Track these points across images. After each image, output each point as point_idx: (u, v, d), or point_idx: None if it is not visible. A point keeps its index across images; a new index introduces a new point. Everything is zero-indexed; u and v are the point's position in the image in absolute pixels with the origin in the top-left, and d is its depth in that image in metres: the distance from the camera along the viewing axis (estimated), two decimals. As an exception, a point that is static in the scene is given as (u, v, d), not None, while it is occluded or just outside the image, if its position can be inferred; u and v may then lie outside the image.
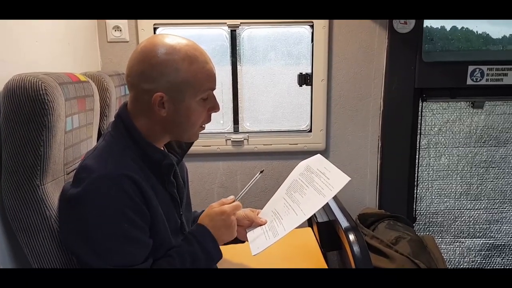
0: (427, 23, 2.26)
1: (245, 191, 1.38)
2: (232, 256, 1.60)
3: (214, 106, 1.18)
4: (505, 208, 2.48)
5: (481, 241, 2.52)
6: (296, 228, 1.25)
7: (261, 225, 1.35)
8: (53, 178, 1.14)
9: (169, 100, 1.09)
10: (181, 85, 1.09)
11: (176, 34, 1.14)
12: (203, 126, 1.20)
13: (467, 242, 2.53)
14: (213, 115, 1.21)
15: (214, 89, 1.17)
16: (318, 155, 1.45)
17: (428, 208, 2.47)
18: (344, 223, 1.49)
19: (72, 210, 1.06)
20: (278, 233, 1.26)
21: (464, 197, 2.47)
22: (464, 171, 2.44)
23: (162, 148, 1.21)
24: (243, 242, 1.39)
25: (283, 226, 1.27)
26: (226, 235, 1.24)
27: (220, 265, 1.50)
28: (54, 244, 1.11)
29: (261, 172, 1.41)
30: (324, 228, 1.65)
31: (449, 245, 2.53)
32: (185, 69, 1.08)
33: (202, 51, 1.14)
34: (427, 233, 2.49)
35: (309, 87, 2.29)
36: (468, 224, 2.50)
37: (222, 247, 1.24)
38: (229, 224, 1.24)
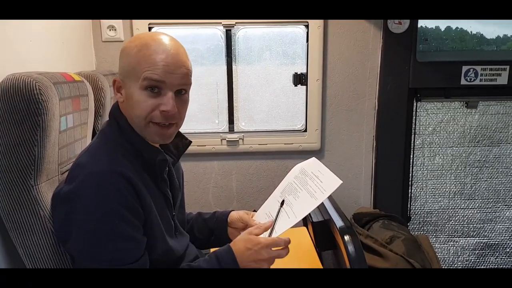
0: (422, 23, 2.27)
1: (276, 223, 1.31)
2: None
3: (165, 104, 1.08)
4: (498, 208, 2.49)
5: (475, 240, 2.54)
6: (291, 227, 1.25)
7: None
8: (47, 178, 1.14)
9: (124, 86, 1.12)
10: (127, 70, 1.10)
11: (166, 33, 1.15)
12: (158, 122, 1.11)
13: (461, 241, 2.54)
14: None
15: (162, 81, 1.07)
16: (313, 158, 1.45)
17: (422, 208, 2.48)
18: (338, 222, 1.49)
19: (65, 206, 1.06)
20: (271, 236, 1.26)
21: (458, 196, 2.48)
22: (458, 171, 2.45)
23: (156, 146, 1.21)
24: None
25: (275, 229, 1.28)
26: (251, 266, 1.15)
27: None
28: (48, 244, 1.11)
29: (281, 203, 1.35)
30: (319, 228, 1.65)
31: (443, 244, 2.54)
32: (133, 54, 1.08)
33: (165, 44, 1.09)
34: (422, 232, 2.50)
35: (304, 86, 2.29)
36: (462, 223, 2.51)
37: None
38: (260, 259, 1.15)
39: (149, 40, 1.09)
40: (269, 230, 1.25)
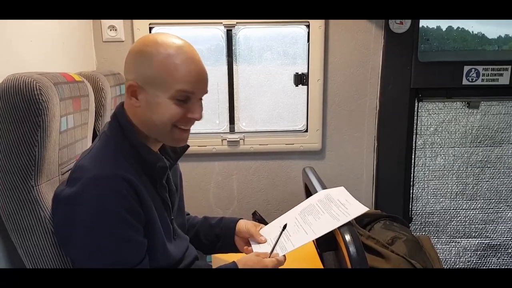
0: (423, 23, 2.26)
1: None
2: (230, 258, 1.59)
3: (193, 112, 1.12)
4: (500, 208, 2.49)
5: (477, 241, 2.53)
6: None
7: (259, 243, 1.34)
8: (48, 179, 1.14)
9: (142, 92, 1.09)
10: (151, 78, 1.07)
11: (174, 34, 1.14)
12: (181, 127, 1.14)
13: (463, 242, 2.53)
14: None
15: (193, 93, 1.10)
16: (342, 187, 1.43)
17: (424, 208, 2.48)
18: (340, 223, 1.48)
19: (66, 209, 1.05)
20: (287, 249, 1.25)
21: (460, 197, 2.47)
22: (460, 171, 2.44)
23: (156, 151, 1.20)
24: (242, 253, 1.38)
25: (292, 242, 1.27)
26: None
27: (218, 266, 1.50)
28: (48, 245, 1.10)
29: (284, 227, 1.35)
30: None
31: (445, 245, 2.53)
32: (158, 63, 1.06)
33: (190, 53, 1.10)
34: (423, 233, 2.50)
35: (305, 87, 2.28)
36: (464, 224, 2.51)
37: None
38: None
39: (174, 47, 1.08)
40: (269, 250, 1.26)
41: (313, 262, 1.66)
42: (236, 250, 1.40)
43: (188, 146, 1.29)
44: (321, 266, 1.65)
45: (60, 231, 1.09)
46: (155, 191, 1.17)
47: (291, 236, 1.30)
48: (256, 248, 1.33)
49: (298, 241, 1.26)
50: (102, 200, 1.01)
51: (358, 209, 1.28)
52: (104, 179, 1.02)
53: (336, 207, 1.33)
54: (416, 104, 2.32)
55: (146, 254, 1.09)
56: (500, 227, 2.51)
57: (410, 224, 2.42)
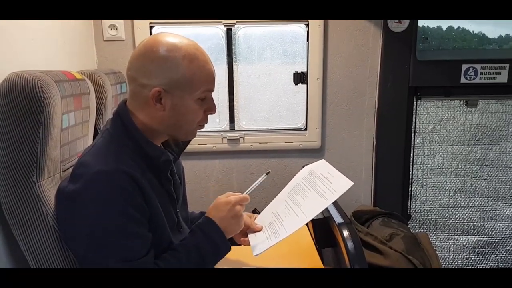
0: (423, 22, 2.27)
1: (253, 189, 1.39)
2: (228, 255, 1.61)
3: (211, 108, 1.19)
4: (498, 206, 2.50)
5: (475, 239, 2.54)
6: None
7: (256, 231, 1.36)
8: (50, 175, 1.15)
9: (167, 96, 1.11)
10: (179, 81, 1.10)
11: (178, 34, 1.16)
12: (202, 125, 1.21)
13: (461, 239, 2.54)
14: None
15: (213, 90, 1.18)
16: (323, 160, 1.46)
17: (422, 206, 2.49)
18: (338, 220, 1.50)
19: (71, 206, 1.07)
20: (280, 235, 1.26)
21: (458, 194, 2.48)
22: (458, 169, 2.45)
23: (159, 145, 1.22)
24: (240, 245, 1.40)
25: (284, 228, 1.28)
26: (232, 225, 1.24)
27: (216, 264, 1.51)
28: (50, 241, 1.11)
29: (267, 173, 1.44)
30: (319, 225, 1.65)
31: (443, 242, 2.54)
32: (185, 66, 1.10)
33: (203, 52, 1.15)
34: (422, 230, 2.51)
35: (305, 85, 2.30)
36: (462, 221, 2.52)
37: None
38: (235, 214, 1.24)
39: (192, 49, 1.12)
40: (265, 238, 1.30)
41: (312, 258, 1.67)
42: (234, 243, 1.41)
43: (190, 139, 1.31)
44: (320, 263, 1.66)
45: (64, 227, 1.11)
46: (160, 185, 1.18)
47: (284, 221, 1.31)
48: (252, 237, 1.35)
49: (291, 226, 1.27)
50: (105, 195, 1.02)
51: (342, 184, 1.29)
52: (107, 174, 1.03)
53: (320, 182, 1.34)
54: (415, 102, 2.33)
55: (151, 248, 1.10)
56: (498, 224, 2.52)
57: (408, 222, 2.43)
